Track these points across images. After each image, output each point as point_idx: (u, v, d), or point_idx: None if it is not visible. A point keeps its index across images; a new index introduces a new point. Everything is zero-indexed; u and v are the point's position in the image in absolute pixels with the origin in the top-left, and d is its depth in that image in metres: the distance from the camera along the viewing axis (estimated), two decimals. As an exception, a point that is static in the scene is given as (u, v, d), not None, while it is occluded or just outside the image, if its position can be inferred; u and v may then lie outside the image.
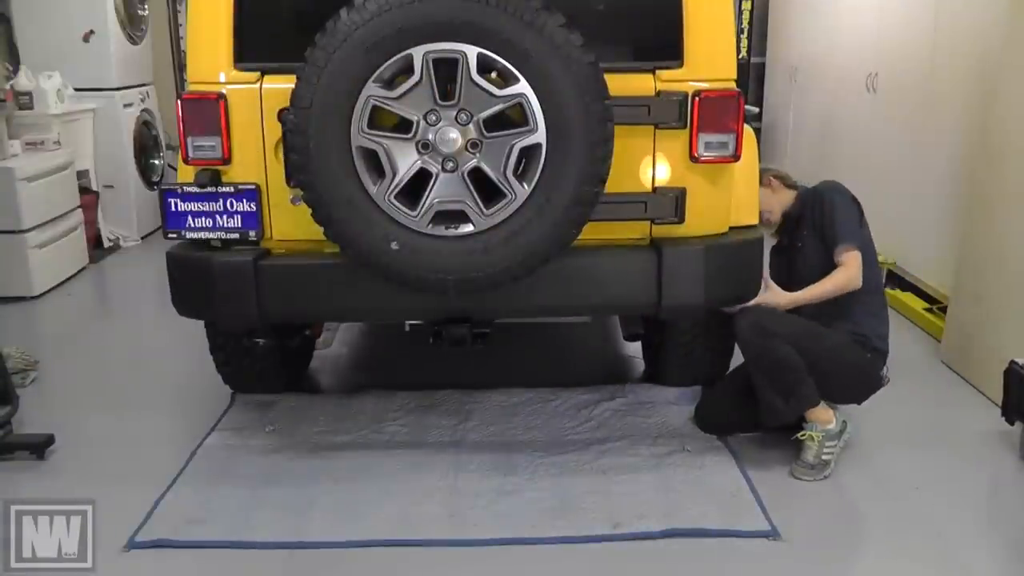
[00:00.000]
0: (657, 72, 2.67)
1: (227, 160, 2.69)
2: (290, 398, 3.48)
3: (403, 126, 2.45)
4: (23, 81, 5.39)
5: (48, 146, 5.31)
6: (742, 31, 7.64)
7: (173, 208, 2.71)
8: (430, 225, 2.49)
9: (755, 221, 2.95)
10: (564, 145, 2.42)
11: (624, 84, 2.57)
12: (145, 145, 6.51)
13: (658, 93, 2.64)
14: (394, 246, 2.49)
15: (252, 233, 2.72)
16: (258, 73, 2.67)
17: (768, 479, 2.87)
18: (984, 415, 3.31)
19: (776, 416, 2.89)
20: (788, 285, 2.99)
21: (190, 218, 2.71)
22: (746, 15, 7.69)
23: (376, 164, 2.46)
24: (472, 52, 2.36)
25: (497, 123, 2.44)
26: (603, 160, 2.46)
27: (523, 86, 2.39)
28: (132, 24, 6.33)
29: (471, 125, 2.42)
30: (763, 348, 2.84)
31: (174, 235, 2.74)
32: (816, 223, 3.02)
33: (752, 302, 2.89)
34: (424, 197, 2.47)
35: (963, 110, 4.08)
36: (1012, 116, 3.48)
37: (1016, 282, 3.39)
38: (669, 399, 3.44)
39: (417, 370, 3.84)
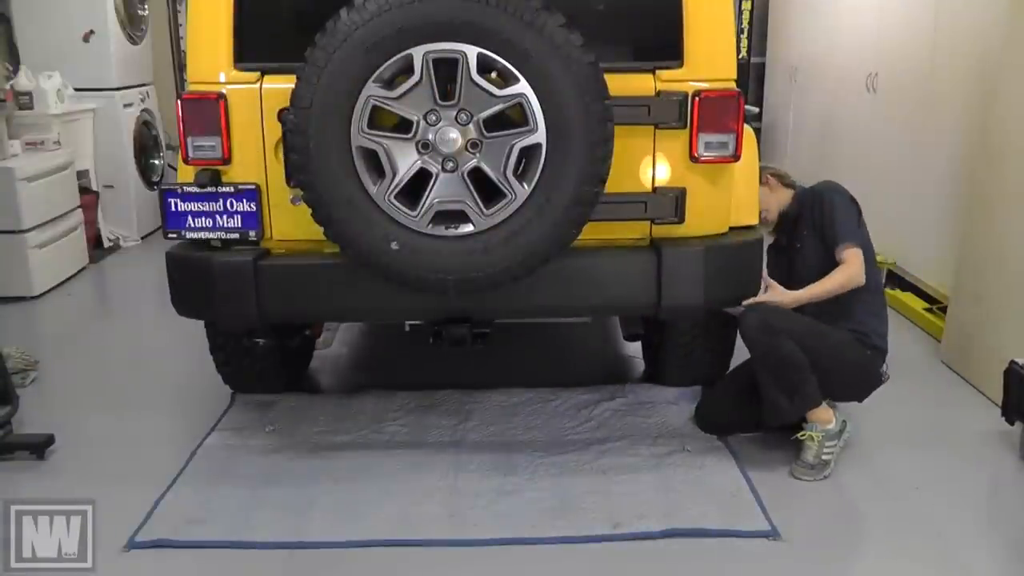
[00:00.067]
0: (657, 72, 2.67)
1: (227, 160, 2.69)
2: (290, 398, 3.48)
3: (403, 126, 2.45)
4: (23, 81, 5.39)
5: (48, 146, 5.30)
6: (742, 31, 7.64)
7: (173, 208, 2.71)
8: (430, 225, 2.49)
9: (755, 221, 2.95)
10: (564, 145, 2.42)
11: (624, 84, 2.58)
12: (145, 145, 6.51)
13: (658, 93, 2.64)
14: (394, 246, 2.49)
15: (252, 233, 2.72)
16: (258, 73, 2.67)
17: (768, 479, 2.87)
18: (984, 415, 3.31)
19: (779, 414, 2.89)
20: (787, 285, 2.99)
21: (190, 218, 2.71)
22: (746, 15, 7.69)
23: (376, 164, 2.46)
24: (472, 52, 2.36)
25: (497, 123, 2.44)
26: (603, 160, 2.46)
27: (523, 86, 2.39)
28: (132, 24, 6.33)
29: (471, 125, 2.42)
30: (769, 346, 2.84)
31: (174, 235, 2.74)
32: (815, 223, 3.02)
33: (755, 300, 2.89)
34: (424, 197, 2.47)
35: (963, 110, 4.08)
36: (1012, 116, 3.48)
37: (1016, 282, 3.39)
38: (669, 399, 3.44)
39: (417, 370, 3.84)
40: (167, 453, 3.07)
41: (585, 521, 2.64)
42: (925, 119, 4.48)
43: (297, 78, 2.41)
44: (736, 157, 2.70)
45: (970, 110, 3.98)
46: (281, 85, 2.55)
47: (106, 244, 6.02)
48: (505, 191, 2.46)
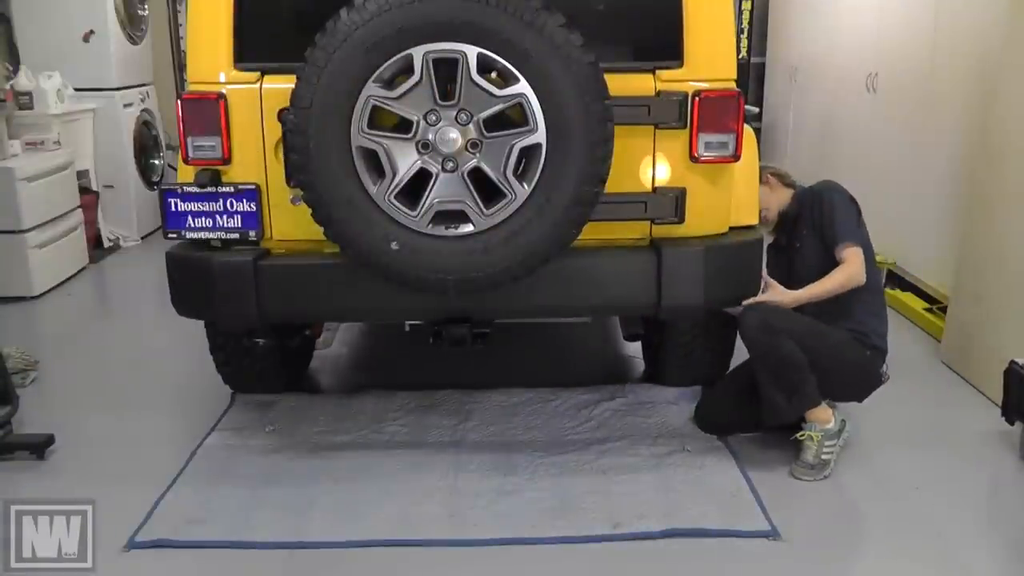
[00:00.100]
0: (657, 72, 2.67)
1: (227, 160, 2.69)
2: (290, 398, 3.48)
3: (403, 126, 2.45)
4: (23, 81, 5.39)
5: (48, 146, 5.30)
6: (742, 31, 7.64)
7: (173, 208, 2.71)
8: (430, 225, 2.49)
9: (755, 221, 2.95)
10: (564, 145, 2.42)
11: (624, 84, 2.58)
12: (145, 145, 6.51)
13: (658, 93, 2.64)
14: (394, 246, 2.49)
15: (252, 233, 2.72)
16: (258, 73, 2.67)
17: (768, 479, 2.87)
18: (984, 415, 3.31)
19: (778, 414, 2.89)
20: (787, 284, 2.99)
21: (190, 218, 2.71)
22: (746, 15, 7.69)
23: (376, 164, 2.46)
24: (472, 52, 2.36)
25: (497, 123, 2.44)
26: (603, 160, 2.46)
27: (523, 86, 2.39)
28: (132, 24, 6.33)
29: (471, 125, 2.42)
30: (769, 346, 2.84)
31: (174, 235, 2.74)
32: (815, 223, 3.02)
33: (755, 300, 2.89)
34: (424, 197, 2.47)
35: (963, 110, 4.08)
36: (1012, 116, 3.48)
37: (1016, 282, 3.39)
38: (669, 399, 3.44)
39: (417, 370, 3.84)
40: (167, 453, 3.07)
41: (585, 521, 2.64)
42: (925, 119, 4.47)
43: (297, 78, 2.41)
44: (736, 157, 2.70)
45: (970, 110, 3.98)
46: (281, 85, 2.55)
47: (106, 244, 6.03)
48: (505, 191, 2.46)
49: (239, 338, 3.27)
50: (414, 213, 2.47)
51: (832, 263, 2.95)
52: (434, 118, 2.42)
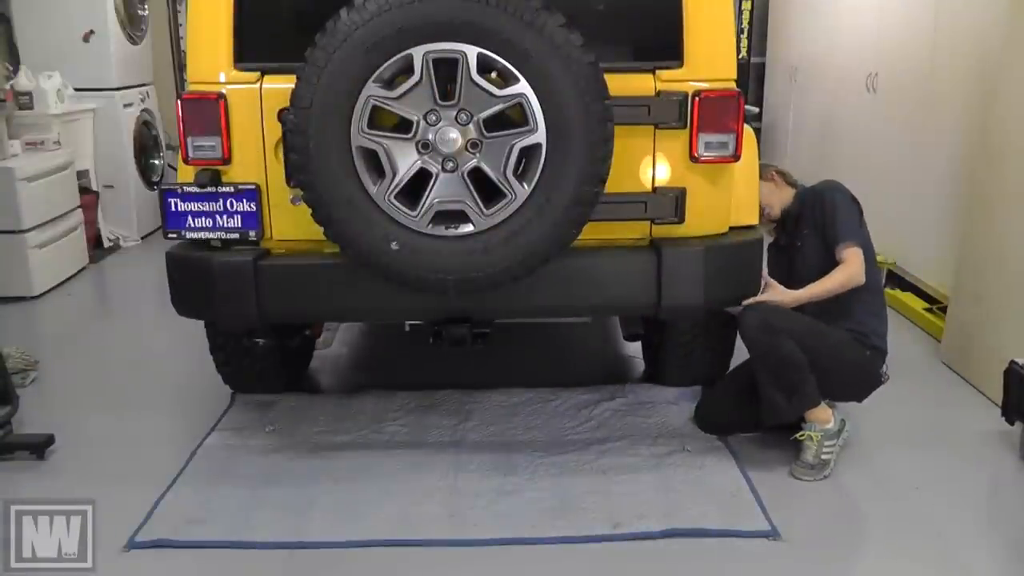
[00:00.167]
0: (657, 72, 2.67)
1: (227, 160, 2.69)
2: (290, 398, 3.48)
3: (403, 126, 2.45)
4: (23, 81, 5.39)
5: (48, 146, 5.30)
6: (742, 31, 7.65)
7: (173, 208, 2.71)
8: (430, 225, 2.49)
9: (755, 221, 2.95)
10: (564, 145, 2.42)
11: (624, 84, 2.58)
12: (145, 145, 6.51)
13: (658, 93, 2.64)
14: (394, 246, 2.49)
15: (252, 233, 2.72)
16: (258, 73, 2.67)
17: (768, 479, 2.87)
18: (984, 415, 3.31)
19: (778, 414, 2.89)
20: (787, 284, 2.99)
21: (190, 218, 2.71)
22: (746, 15, 7.70)
23: (376, 164, 2.46)
24: (472, 52, 2.36)
25: (497, 123, 2.44)
26: (603, 160, 2.46)
27: (523, 86, 2.39)
28: (132, 24, 6.33)
29: (471, 125, 2.42)
30: (769, 346, 2.84)
31: (174, 235, 2.74)
32: (817, 222, 3.02)
33: (755, 300, 2.89)
34: (424, 197, 2.47)
35: (963, 110, 4.08)
36: (1012, 116, 3.48)
37: (1016, 282, 3.39)
38: (669, 399, 3.44)
39: (417, 370, 3.84)
40: (167, 453, 3.07)
41: (585, 521, 2.64)
42: (925, 119, 4.48)
43: (297, 78, 2.41)
44: (736, 157, 2.70)
45: (970, 110, 3.98)
46: (281, 85, 2.55)
47: (106, 244, 6.02)
48: (505, 191, 2.46)
49: (239, 338, 3.27)
50: (414, 213, 2.47)
51: (833, 263, 2.95)
52: (434, 118, 2.42)
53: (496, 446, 3.09)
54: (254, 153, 2.69)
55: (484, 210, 2.47)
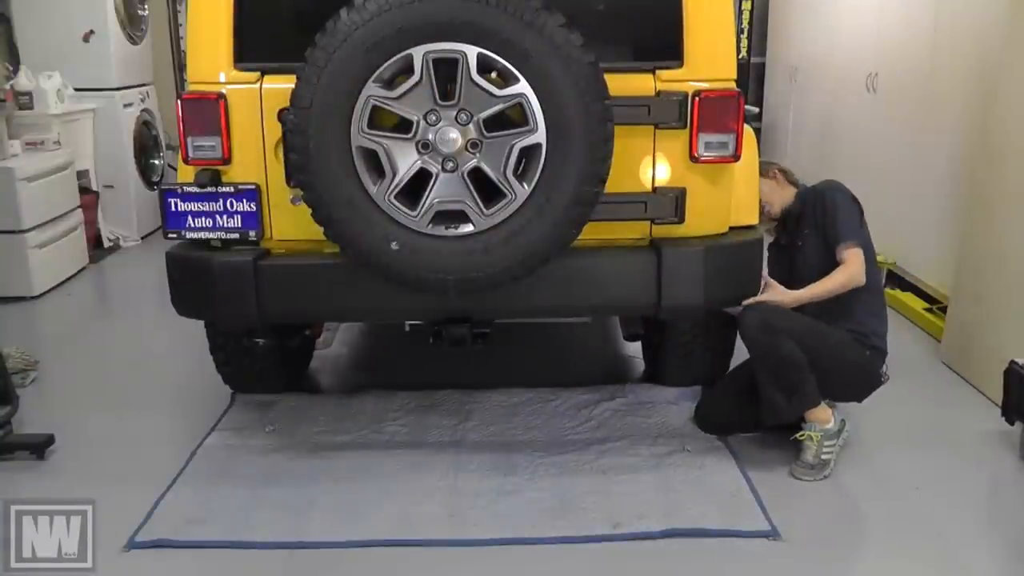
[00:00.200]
0: (657, 72, 2.67)
1: (227, 160, 2.69)
2: (290, 398, 3.48)
3: (403, 126, 2.45)
4: (23, 81, 5.39)
5: (48, 146, 5.30)
6: (742, 31, 7.65)
7: (173, 208, 2.71)
8: (430, 225, 2.49)
9: (755, 221, 2.95)
10: (564, 145, 2.42)
11: (624, 84, 2.58)
12: (145, 145, 6.51)
13: (658, 93, 2.64)
14: (394, 246, 2.49)
15: (252, 233, 2.72)
16: (258, 73, 2.67)
17: (768, 479, 2.87)
18: (984, 415, 3.31)
19: (778, 414, 2.89)
20: (788, 284, 2.99)
21: (190, 218, 2.71)
22: (746, 15, 7.70)
23: (376, 164, 2.46)
24: (472, 52, 2.36)
25: (497, 123, 2.44)
26: (603, 160, 2.46)
27: (523, 86, 2.39)
28: (132, 24, 6.33)
29: (471, 125, 2.42)
30: (769, 346, 2.84)
31: (174, 235, 2.74)
32: (817, 222, 3.02)
33: (755, 300, 2.89)
34: (424, 197, 2.47)
35: (963, 110, 4.08)
36: (1012, 116, 3.48)
37: (1016, 282, 3.39)
38: (669, 399, 3.44)
39: (417, 370, 3.84)
40: (167, 453, 3.07)
41: (585, 521, 2.64)
42: (925, 119, 4.47)
43: (297, 78, 2.41)
44: (736, 157, 2.70)
45: (970, 110, 3.98)
46: (281, 85, 2.55)
47: (106, 244, 6.03)
48: (505, 191, 2.46)
49: (239, 338, 3.27)
50: (414, 213, 2.47)
51: (833, 263, 2.95)
52: (434, 118, 2.42)
53: (496, 446, 3.09)
54: (254, 153, 2.69)
55: (484, 210, 2.47)
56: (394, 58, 2.37)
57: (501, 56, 2.37)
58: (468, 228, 2.50)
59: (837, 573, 2.58)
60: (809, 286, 2.95)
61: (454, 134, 2.41)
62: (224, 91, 2.65)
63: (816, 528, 2.67)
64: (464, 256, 2.50)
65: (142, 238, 6.33)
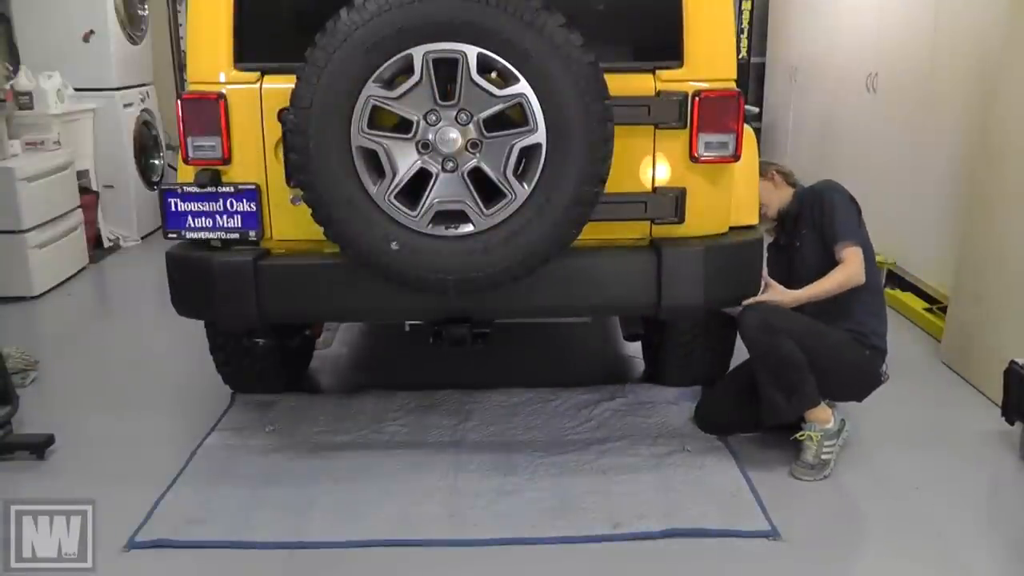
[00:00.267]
0: (657, 72, 2.67)
1: (227, 160, 2.69)
2: (290, 398, 3.48)
3: (403, 126, 2.45)
4: (23, 81, 5.39)
5: (48, 146, 5.30)
6: (742, 31, 7.65)
7: (173, 208, 2.71)
8: (430, 225, 2.49)
9: (755, 221, 2.95)
10: (564, 145, 2.42)
11: (624, 84, 2.58)
12: (145, 145, 6.51)
13: (658, 93, 2.64)
14: (394, 246, 2.49)
15: (252, 233, 2.72)
16: (258, 73, 2.67)
17: (768, 479, 2.87)
18: (984, 415, 3.31)
19: (777, 414, 2.89)
20: (787, 284, 2.99)
21: (190, 218, 2.71)
22: (746, 15, 7.70)
23: (376, 164, 2.46)
24: (472, 52, 2.36)
25: (497, 123, 2.44)
26: (603, 160, 2.46)
27: (523, 86, 2.39)
28: (132, 24, 6.33)
29: (471, 125, 2.42)
30: (769, 346, 2.84)
31: (174, 235, 2.74)
32: (816, 222, 3.02)
33: (755, 300, 2.89)
34: (424, 197, 2.47)
35: (963, 110, 4.08)
36: (1012, 116, 3.48)
37: (1016, 282, 3.39)
38: (669, 399, 3.44)
39: (417, 370, 3.84)
40: (167, 453, 3.07)
41: (585, 521, 2.64)
42: (925, 119, 4.48)
43: (297, 78, 2.41)
44: (736, 157, 2.70)
45: (970, 110, 3.98)
46: (281, 85, 2.55)
47: (106, 244, 6.03)
48: (505, 191, 2.46)
49: (239, 338, 3.27)
50: (414, 213, 2.47)
51: (832, 263, 2.95)
52: (434, 118, 2.42)
53: (496, 446, 3.09)
54: (254, 153, 2.69)
55: (484, 210, 2.47)
56: (394, 58, 2.37)
57: (501, 56, 2.37)
58: (468, 228, 2.50)
59: (837, 573, 2.58)
60: (808, 286, 2.95)
61: (454, 134, 2.41)
62: (224, 91, 2.65)
63: (816, 528, 2.67)
64: (464, 256, 2.50)
65: (142, 238, 6.33)
